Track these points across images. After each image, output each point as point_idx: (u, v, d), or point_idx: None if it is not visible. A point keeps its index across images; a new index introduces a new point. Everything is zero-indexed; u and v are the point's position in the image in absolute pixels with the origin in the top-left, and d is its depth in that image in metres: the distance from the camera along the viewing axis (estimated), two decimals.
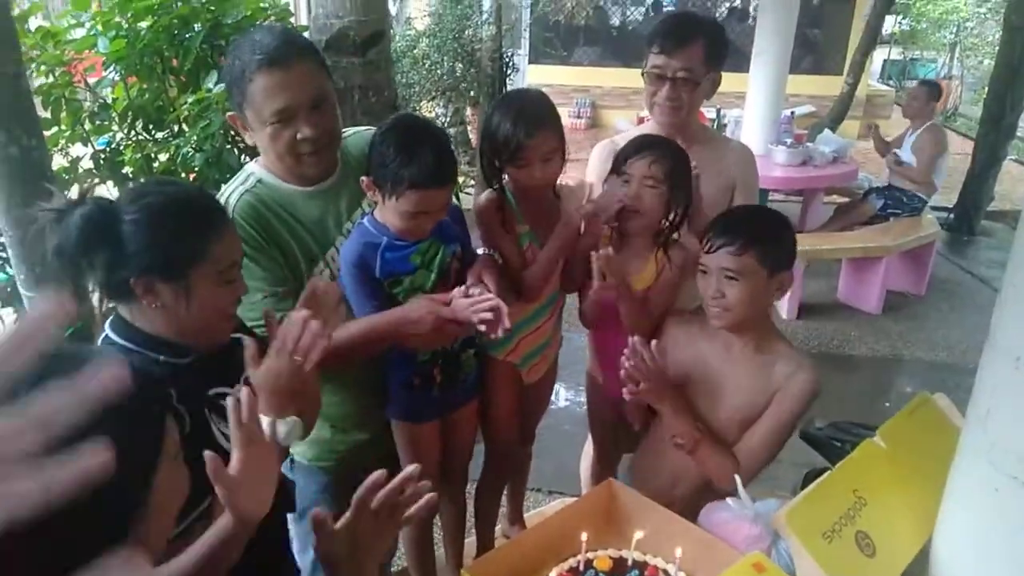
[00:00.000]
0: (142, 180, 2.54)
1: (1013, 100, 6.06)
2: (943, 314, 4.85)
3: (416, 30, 6.26)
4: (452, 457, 1.77)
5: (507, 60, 5.68)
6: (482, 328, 1.44)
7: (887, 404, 3.77)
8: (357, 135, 1.67)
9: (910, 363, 4.26)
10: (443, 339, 1.56)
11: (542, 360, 1.85)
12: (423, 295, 1.52)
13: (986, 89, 6.73)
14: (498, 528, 2.04)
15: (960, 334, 4.57)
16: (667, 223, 1.69)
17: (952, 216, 6.39)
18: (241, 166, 2.67)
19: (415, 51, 5.97)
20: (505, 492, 2.08)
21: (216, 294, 1.20)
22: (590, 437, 2.27)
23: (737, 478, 1.38)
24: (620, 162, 1.69)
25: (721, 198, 1.87)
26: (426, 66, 6.03)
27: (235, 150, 2.73)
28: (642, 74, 1.88)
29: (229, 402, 1.02)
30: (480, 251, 1.72)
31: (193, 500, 1.14)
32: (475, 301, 1.44)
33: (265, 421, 1.16)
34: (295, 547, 1.71)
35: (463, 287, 1.50)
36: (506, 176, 1.69)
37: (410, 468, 1.03)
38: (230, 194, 1.54)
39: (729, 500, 1.40)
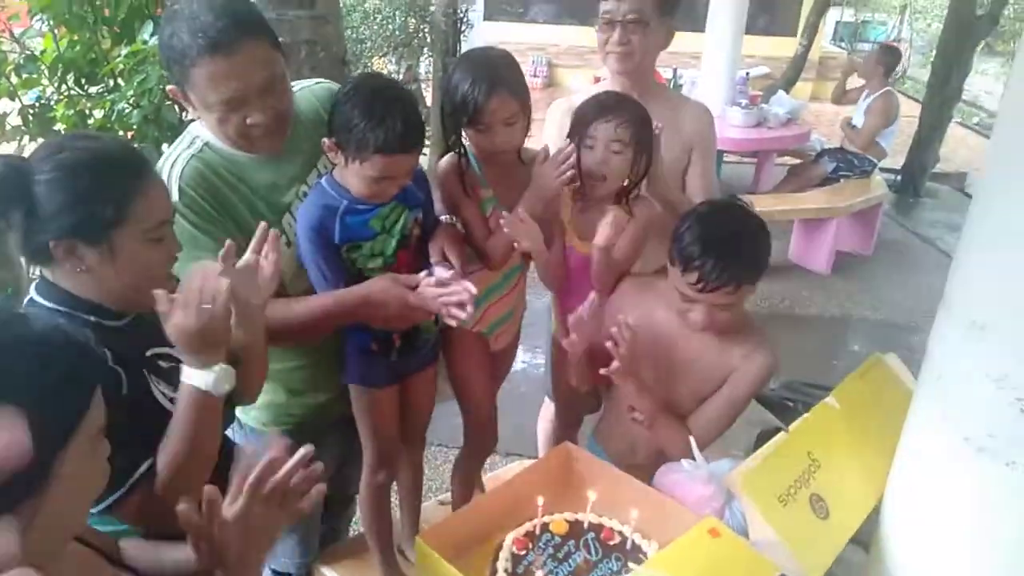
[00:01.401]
0: (60, 135, 2.40)
1: (959, 64, 6.16)
2: (890, 274, 4.97)
3: None
4: (411, 421, 1.74)
5: (461, 16, 5.53)
6: (451, 322, 1.43)
7: (835, 363, 3.87)
8: (305, 90, 1.59)
9: (859, 322, 4.37)
10: (407, 322, 1.53)
11: (510, 326, 1.83)
12: (389, 274, 1.47)
13: (934, 53, 6.84)
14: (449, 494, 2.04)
15: (906, 293, 4.70)
16: (629, 182, 1.66)
17: (899, 178, 6.53)
18: (182, 123, 2.56)
19: (366, 5, 5.78)
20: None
21: (144, 256, 1.13)
22: (547, 399, 2.26)
23: (692, 439, 1.39)
24: (582, 124, 1.63)
25: (679, 158, 1.85)
26: (377, 21, 5.84)
27: (175, 106, 2.60)
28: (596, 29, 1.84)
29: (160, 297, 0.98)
30: (442, 218, 1.66)
31: (133, 462, 1.10)
32: (443, 293, 1.41)
33: (192, 374, 1.12)
34: None
35: (430, 275, 1.46)
36: (467, 138, 1.63)
37: (303, 450, 0.98)
38: (176, 159, 1.45)
39: (683, 461, 1.41)
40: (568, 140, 1.65)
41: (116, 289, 1.14)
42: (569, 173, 1.59)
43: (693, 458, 1.40)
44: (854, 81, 5.29)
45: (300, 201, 1.51)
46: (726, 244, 1.41)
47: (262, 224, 1.29)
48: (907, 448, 0.84)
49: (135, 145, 2.25)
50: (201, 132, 1.47)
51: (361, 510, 1.75)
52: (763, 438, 1.68)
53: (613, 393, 1.68)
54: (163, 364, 1.21)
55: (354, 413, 1.66)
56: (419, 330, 1.62)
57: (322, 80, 1.67)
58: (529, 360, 3.33)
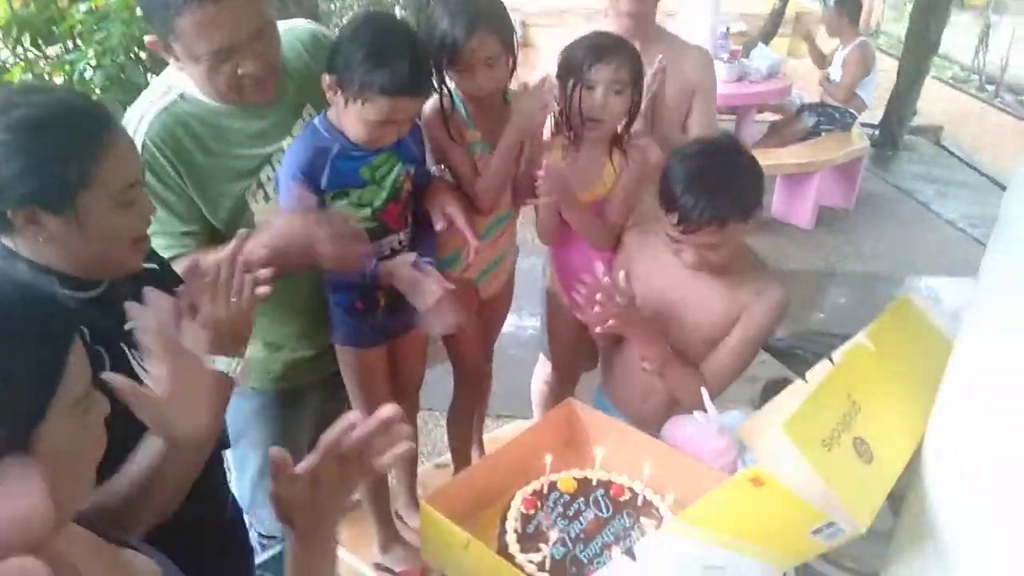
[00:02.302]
0: (9, 85, 2.26)
1: (936, 16, 6.12)
2: (872, 227, 4.98)
3: None
4: (401, 382, 1.68)
5: None
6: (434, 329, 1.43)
7: (822, 315, 3.87)
8: (288, 33, 1.49)
9: (844, 276, 4.37)
10: (350, 263, 1.40)
11: (499, 273, 1.77)
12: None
13: (907, 7, 6.79)
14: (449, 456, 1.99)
15: (888, 245, 4.71)
16: (623, 125, 1.60)
17: (877, 132, 6.52)
18: (148, 84, 2.43)
19: None
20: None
21: (113, 221, 1.04)
22: (541, 358, 2.22)
23: (703, 391, 1.35)
24: (576, 66, 1.56)
25: (681, 102, 1.79)
26: None
27: (140, 66, 2.47)
28: None
29: (130, 310, 0.88)
30: (432, 169, 1.60)
31: (127, 445, 1.02)
32: (421, 280, 1.39)
33: (219, 363, 1.05)
34: (232, 477, 1.63)
35: (414, 256, 1.42)
36: (451, 80, 1.56)
37: (388, 409, 0.91)
38: (144, 112, 1.36)
39: (695, 413, 1.37)
40: (558, 80, 1.58)
41: (85, 256, 1.04)
42: (549, 105, 1.54)
43: (705, 408, 1.37)
44: (830, 43, 5.27)
45: (282, 153, 1.43)
46: (706, 182, 1.36)
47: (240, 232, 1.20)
48: (949, 388, 0.80)
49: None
50: (177, 81, 1.37)
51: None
52: (769, 389, 1.66)
53: (621, 344, 1.64)
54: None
55: (342, 374, 1.59)
56: None
57: (304, 21, 1.58)
58: (516, 321, 3.28)
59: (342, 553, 1.73)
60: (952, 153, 6.61)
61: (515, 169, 1.61)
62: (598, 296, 1.40)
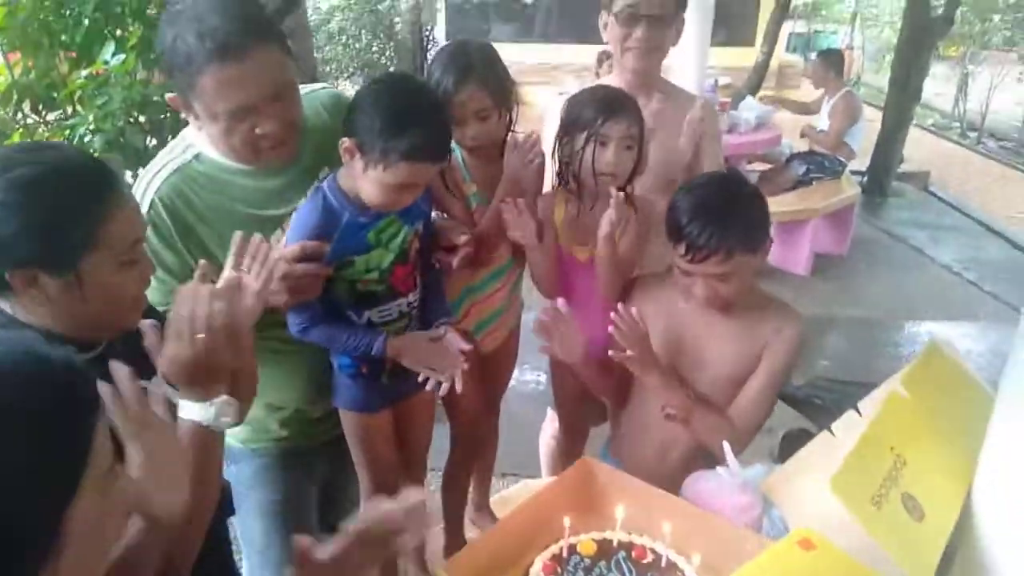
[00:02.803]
0: (12, 144, 2.25)
1: (918, 65, 6.28)
2: (866, 272, 5.00)
3: (330, 3, 5.97)
4: (409, 447, 1.63)
5: (427, 34, 5.48)
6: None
7: (825, 362, 3.84)
8: (309, 95, 1.48)
9: (844, 321, 4.37)
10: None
11: (499, 327, 1.73)
12: None
13: (886, 58, 6.98)
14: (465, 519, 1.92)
15: (882, 290, 4.73)
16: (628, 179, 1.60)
17: (865, 179, 6.61)
18: (147, 148, 2.44)
19: (330, 25, 5.70)
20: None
21: (116, 282, 1.01)
22: (549, 414, 2.17)
23: (725, 444, 1.31)
24: (589, 123, 1.56)
25: (685, 151, 1.80)
26: (343, 41, 5.76)
27: (140, 129, 2.47)
28: (603, 26, 1.81)
29: (103, 390, 0.85)
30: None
31: None
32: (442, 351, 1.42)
33: (190, 408, 0.99)
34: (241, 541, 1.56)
35: (425, 336, 1.45)
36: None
37: (416, 495, 0.87)
38: (160, 169, 1.35)
39: (718, 468, 1.32)
40: (564, 137, 1.59)
41: (84, 317, 1.01)
42: (538, 161, 1.55)
43: (744, 448, 1.33)
44: (814, 94, 5.40)
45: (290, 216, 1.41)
46: (713, 210, 1.37)
47: (237, 234, 1.18)
48: (996, 438, 0.77)
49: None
50: (195, 140, 1.37)
51: None
52: (789, 440, 1.62)
53: (634, 398, 1.60)
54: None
55: (347, 439, 1.54)
56: None
57: (326, 85, 1.59)
58: (518, 376, 3.24)
59: None
60: (940, 198, 6.70)
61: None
62: (612, 327, 1.39)
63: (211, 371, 1.00)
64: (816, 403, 1.52)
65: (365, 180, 1.33)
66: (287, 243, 1.35)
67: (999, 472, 0.78)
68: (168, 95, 1.33)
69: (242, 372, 1.13)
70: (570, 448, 1.89)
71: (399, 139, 1.26)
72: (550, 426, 2.16)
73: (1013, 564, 0.74)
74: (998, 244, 5.69)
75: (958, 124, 9.38)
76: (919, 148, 8.39)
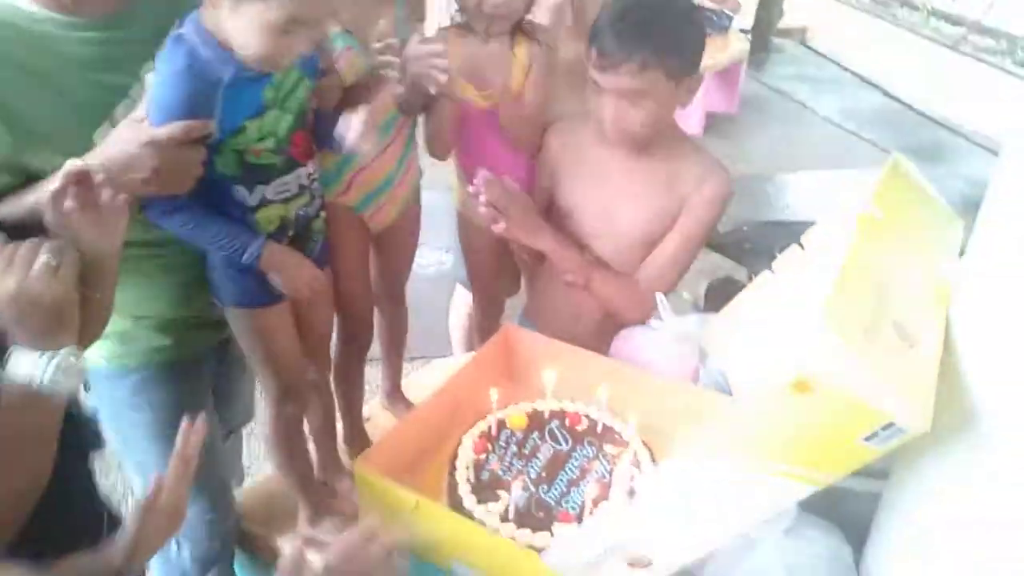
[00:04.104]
0: None
1: None
2: (755, 129, 5.04)
3: None
4: (310, 340, 1.42)
5: None
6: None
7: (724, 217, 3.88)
8: None
9: (737, 179, 4.39)
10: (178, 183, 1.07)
11: (389, 200, 1.48)
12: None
13: None
14: (373, 404, 1.77)
15: (771, 146, 4.79)
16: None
17: (749, 35, 6.57)
18: None
19: None
20: (380, 363, 1.78)
21: None
22: (458, 289, 2.03)
23: (660, 297, 1.20)
24: None
25: None
26: None
27: None
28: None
29: None
30: None
31: None
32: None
33: (23, 360, 0.78)
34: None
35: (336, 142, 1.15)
36: None
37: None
38: None
39: (651, 322, 1.23)
40: None
41: None
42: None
43: (650, 316, 1.23)
44: None
45: (140, 83, 1.10)
46: (634, 14, 1.23)
47: (70, 163, 0.89)
48: (976, 268, 0.68)
49: None
50: None
51: (272, 451, 1.44)
52: (714, 288, 1.55)
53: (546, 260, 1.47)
54: None
55: (239, 342, 1.32)
56: (310, 233, 1.28)
57: None
58: (418, 259, 3.05)
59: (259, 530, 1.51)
60: (818, 52, 6.79)
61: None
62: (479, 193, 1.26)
63: (56, 309, 0.78)
64: (746, 248, 1.43)
65: (236, 23, 0.99)
66: (154, 120, 1.01)
67: (978, 295, 0.69)
68: None
69: (99, 301, 0.91)
70: (485, 323, 1.76)
71: None
72: (460, 303, 2.01)
73: (994, 392, 0.66)
74: (873, 94, 5.87)
75: None
76: (795, 3, 8.44)
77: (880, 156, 4.70)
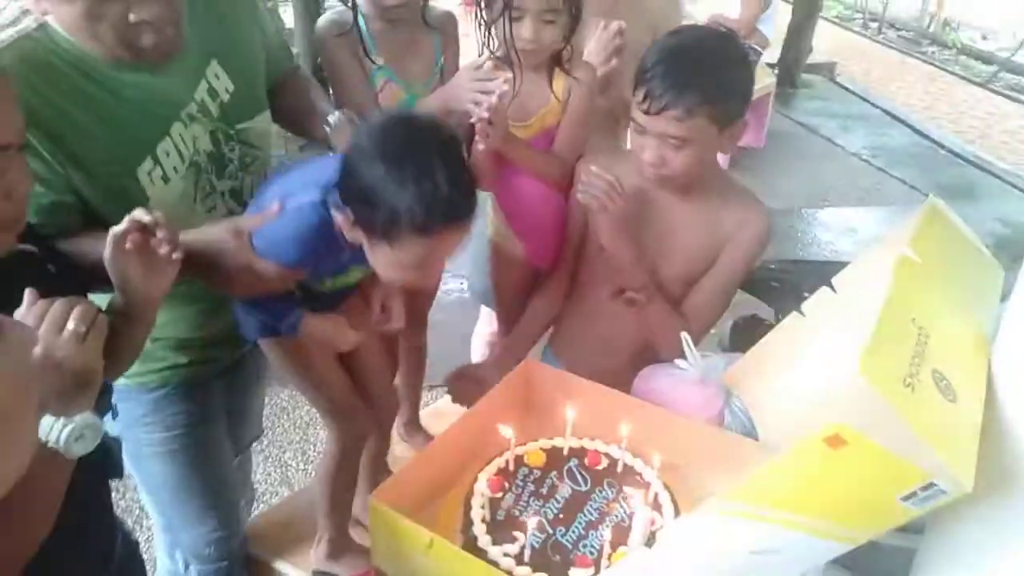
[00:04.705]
0: None
1: None
2: (782, 164, 5.00)
3: None
4: (369, 387, 1.37)
5: None
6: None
7: None
8: None
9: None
10: (248, 290, 1.11)
11: None
12: (230, 221, 1.08)
13: None
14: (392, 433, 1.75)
15: (798, 182, 4.75)
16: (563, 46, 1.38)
17: (776, 70, 6.57)
18: None
19: None
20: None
21: None
22: (483, 317, 2.01)
23: (685, 336, 1.18)
24: None
25: (644, 41, 1.59)
26: None
27: None
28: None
29: None
30: (333, 116, 1.27)
31: None
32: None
33: (45, 423, 0.76)
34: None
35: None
36: None
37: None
38: None
39: (678, 361, 1.20)
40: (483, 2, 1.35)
41: None
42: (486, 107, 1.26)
43: (684, 354, 1.20)
44: None
45: (186, 124, 1.12)
46: (683, 58, 1.20)
47: (138, 211, 0.90)
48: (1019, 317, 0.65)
49: None
50: (32, 5, 1.03)
51: (320, 480, 1.38)
52: (740, 328, 1.52)
53: (579, 289, 1.44)
54: None
55: (283, 376, 1.29)
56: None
57: None
58: (443, 286, 3.05)
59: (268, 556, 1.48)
60: (847, 88, 6.76)
61: None
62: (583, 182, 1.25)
63: (84, 375, 0.78)
64: (774, 286, 1.41)
65: (376, 257, 1.02)
66: (262, 249, 1.03)
67: (1021, 345, 0.66)
68: None
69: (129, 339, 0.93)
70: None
71: (404, 205, 0.93)
72: (485, 329, 1.99)
73: None
74: (902, 131, 5.81)
75: (860, 15, 9.46)
76: (823, 39, 8.44)
77: (908, 193, 4.64)
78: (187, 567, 1.50)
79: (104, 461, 1.04)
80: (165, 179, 1.13)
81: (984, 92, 7.01)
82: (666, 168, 1.23)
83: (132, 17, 0.98)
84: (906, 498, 0.58)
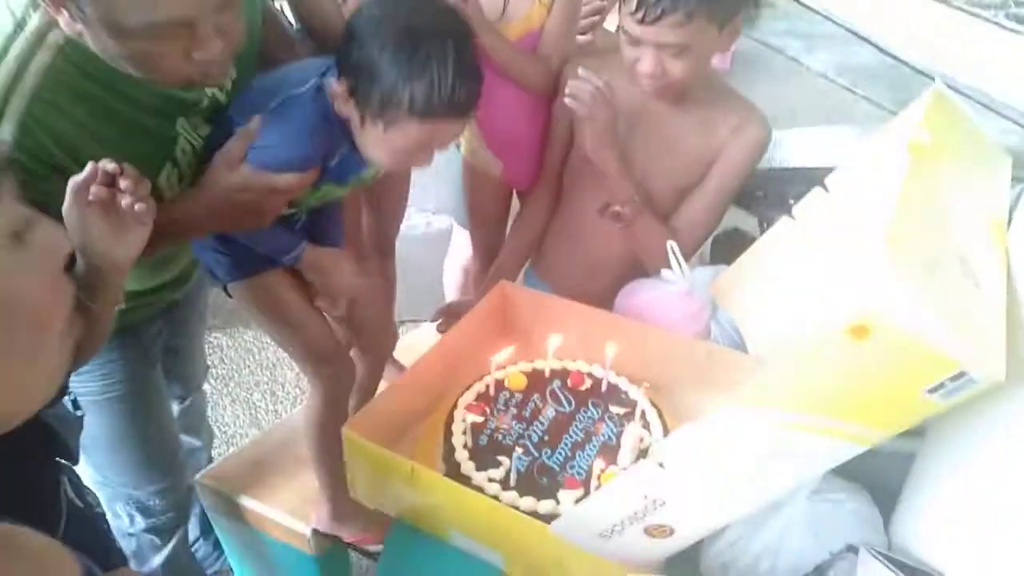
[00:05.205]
0: None
1: None
2: (747, 85, 4.88)
3: None
4: (364, 338, 1.30)
5: None
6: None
7: None
8: None
9: None
10: (269, 216, 1.05)
11: None
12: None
13: None
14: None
15: (764, 103, 4.65)
16: None
17: None
18: None
19: None
20: None
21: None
22: (454, 243, 1.93)
23: (672, 246, 1.12)
24: None
25: None
26: None
27: None
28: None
29: None
30: None
31: None
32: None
33: None
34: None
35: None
36: None
37: None
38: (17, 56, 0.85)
39: (663, 272, 1.15)
40: None
41: None
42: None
43: (670, 268, 1.15)
44: None
45: (194, 133, 1.02)
46: None
47: (103, 162, 0.80)
48: None
49: None
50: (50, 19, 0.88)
51: (307, 435, 1.27)
52: (722, 241, 1.47)
53: (564, 207, 1.38)
54: None
55: (250, 316, 1.20)
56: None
57: None
58: (408, 220, 2.95)
59: (280, 517, 1.40)
60: (811, 8, 6.64)
61: None
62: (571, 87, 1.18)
63: None
64: (758, 195, 1.35)
65: (367, 138, 0.97)
66: (271, 163, 0.96)
67: None
68: None
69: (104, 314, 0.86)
70: (484, 276, 1.66)
71: (406, 89, 0.90)
72: (458, 255, 1.91)
73: None
74: (867, 50, 5.75)
75: None
76: None
77: (875, 112, 4.61)
78: (131, 520, 1.44)
79: (54, 445, 0.94)
80: (181, 179, 1.03)
81: (946, 8, 6.95)
82: (665, 78, 1.16)
83: (197, 56, 0.85)
84: (933, 390, 0.53)
